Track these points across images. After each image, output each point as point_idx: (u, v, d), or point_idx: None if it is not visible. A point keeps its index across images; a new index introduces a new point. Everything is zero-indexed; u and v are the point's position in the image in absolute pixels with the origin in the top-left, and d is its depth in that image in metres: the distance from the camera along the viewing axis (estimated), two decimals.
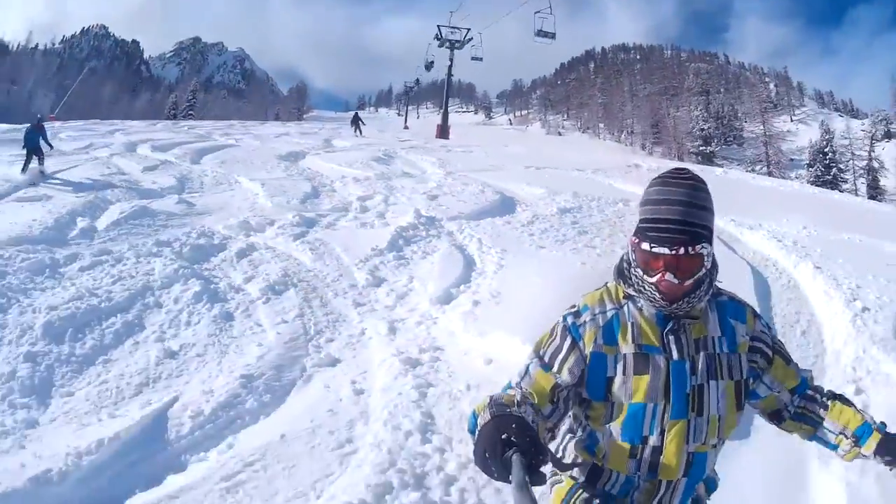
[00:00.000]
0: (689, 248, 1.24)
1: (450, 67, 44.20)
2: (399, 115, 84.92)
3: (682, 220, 1.24)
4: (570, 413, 1.45)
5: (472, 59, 46.84)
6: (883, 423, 1.39)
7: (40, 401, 3.78)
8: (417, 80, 67.81)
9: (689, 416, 1.30)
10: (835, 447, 1.41)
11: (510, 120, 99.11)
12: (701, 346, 1.33)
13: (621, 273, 1.38)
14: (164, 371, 4.20)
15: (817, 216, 9.78)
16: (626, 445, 1.34)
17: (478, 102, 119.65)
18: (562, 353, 1.36)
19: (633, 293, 1.35)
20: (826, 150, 48.30)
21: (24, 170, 10.23)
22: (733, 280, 5.58)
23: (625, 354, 1.32)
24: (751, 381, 1.40)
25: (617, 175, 13.95)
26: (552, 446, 1.50)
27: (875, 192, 44.23)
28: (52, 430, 3.50)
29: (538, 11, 39.26)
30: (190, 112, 68.26)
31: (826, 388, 1.49)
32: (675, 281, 1.25)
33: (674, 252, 1.24)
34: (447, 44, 44.53)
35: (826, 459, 3.07)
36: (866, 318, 5.09)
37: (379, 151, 16.42)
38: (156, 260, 6.11)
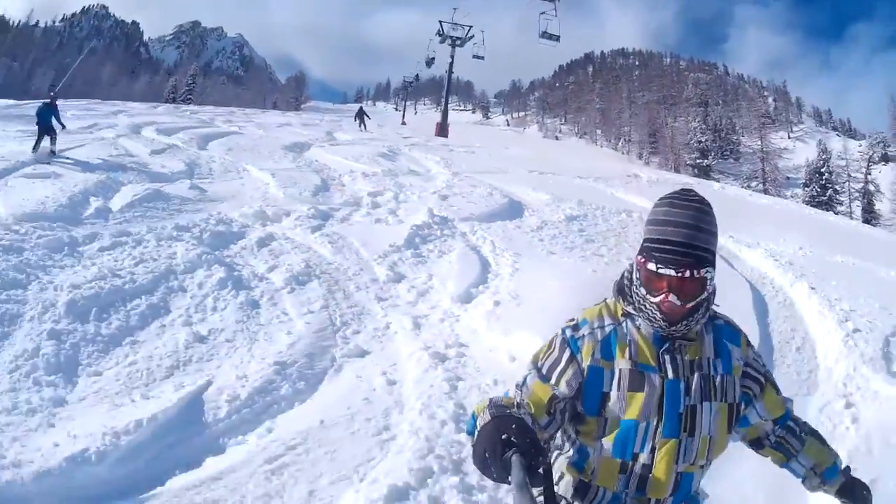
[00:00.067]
0: (695, 272, 1.25)
1: (451, 65, 43.68)
2: (397, 109, 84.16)
3: (689, 243, 1.25)
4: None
5: (474, 57, 46.58)
6: (848, 468, 1.52)
7: (67, 379, 3.77)
8: (417, 75, 67.21)
9: (681, 437, 1.31)
10: (803, 479, 1.53)
11: (508, 121, 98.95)
12: (696, 367, 1.34)
13: (621, 290, 1.39)
14: (194, 355, 4.24)
15: (813, 237, 9.92)
16: (617, 461, 1.34)
17: (476, 101, 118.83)
18: (560, 366, 1.36)
19: (632, 311, 1.35)
20: (822, 170, 47.80)
21: (35, 148, 10.07)
22: (733, 296, 5.75)
23: (620, 370, 1.32)
24: (743, 406, 1.42)
25: (618, 185, 14.06)
26: None
27: (870, 215, 43.66)
28: (83, 410, 3.48)
29: (543, 12, 39.31)
30: (189, 97, 67.37)
31: (803, 421, 1.55)
32: (678, 303, 1.26)
33: (679, 274, 1.25)
34: (449, 40, 44.01)
35: None
36: (857, 339, 5.28)
37: (383, 147, 16.44)
38: (177, 244, 6.15)
